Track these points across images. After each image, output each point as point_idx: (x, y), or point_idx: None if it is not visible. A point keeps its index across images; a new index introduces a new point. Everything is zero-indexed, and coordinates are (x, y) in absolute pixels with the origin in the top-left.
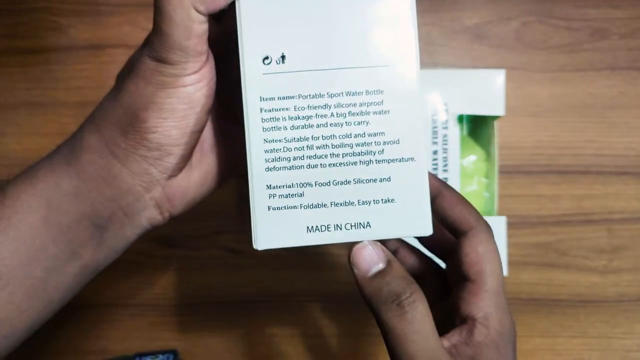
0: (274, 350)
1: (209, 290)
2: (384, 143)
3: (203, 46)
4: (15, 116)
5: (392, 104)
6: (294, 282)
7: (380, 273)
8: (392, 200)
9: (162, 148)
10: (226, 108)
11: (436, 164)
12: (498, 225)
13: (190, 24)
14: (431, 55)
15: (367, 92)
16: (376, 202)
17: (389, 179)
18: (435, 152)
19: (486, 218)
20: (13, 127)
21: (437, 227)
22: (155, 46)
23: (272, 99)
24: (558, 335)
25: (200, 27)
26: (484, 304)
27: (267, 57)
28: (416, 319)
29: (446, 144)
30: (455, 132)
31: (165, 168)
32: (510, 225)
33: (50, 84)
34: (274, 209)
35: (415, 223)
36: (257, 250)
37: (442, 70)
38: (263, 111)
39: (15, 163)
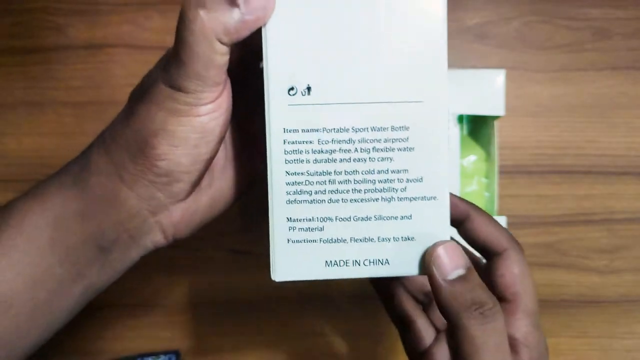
0: (275, 350)
1: (211, 291)
2: (407, 180)
3: (222, 76)
4: (14, 116)
5: (417, 141)
6: (295, 283)
7: (461, 278)
8: (412, 238)
9: (171, 175)
10: (240, 130)
11: None
12: None
13: (212, 56)
14: None
15: (393, 128)
16: (396, 239)
17: (410, 217)
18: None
19: None
20: (12, 127)
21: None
22: (171, 73)
23: (296, 130)
24: (559, 335)
25: (222, 58)
26: (522, 324)
27: (292, 88)
28: (497, 331)
29: None
30: (455, 132)
31: (173, 194)
32: (511, 226)
33: (49, 83)
34: (293, 241)
35: None
36: (274, 281)
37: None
38: (286, 143)
39: (14, 163)
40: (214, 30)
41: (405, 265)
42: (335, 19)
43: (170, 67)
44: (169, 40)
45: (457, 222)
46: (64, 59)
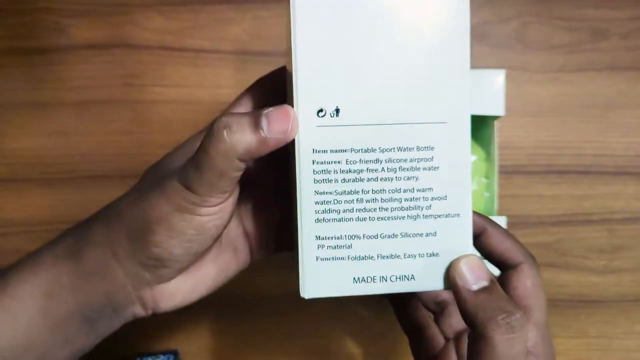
0: (275, 350)
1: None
2: (432, 199)
3: (231, 186)
4: (17, 116)
5: (441, 161)
6: (294, 283)
7: (486, 289)
8: (437, 254)
9: (161, 261)
10: (237, 226)
11: None
12: None
13: (229, 171)
14: None
15: (418, 148)
16: (421, 255)
17: (434, 234)
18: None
19: None
20: (14, 127)
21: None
22: (188, 174)
23: (325, 151)
24: (558, 335)
25: (237, 173)
26: (532, 335)
27: (321, 110)
28: (521, 341)
29: None
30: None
31: (159, 276)
32: (510, 225)
33: (52, 84)
34: (322, 259)
35: None
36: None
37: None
38: (315, 163)
39: (16, 162)
40: (236, 150)
41: (430, 280)
42: (362, 41)
43: (189, 169)
44: (170, 40)
45: (474, 236)
46: (65, 59)
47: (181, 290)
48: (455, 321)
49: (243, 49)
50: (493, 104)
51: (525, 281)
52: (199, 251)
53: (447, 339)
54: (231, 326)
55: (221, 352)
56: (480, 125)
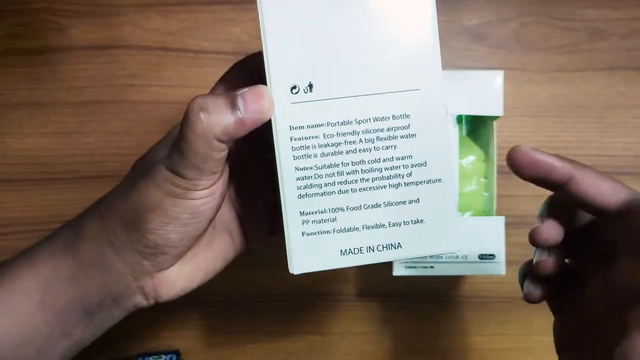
0: (276, 349)
1: (211, 289)
2: (412, 166)
3: (219, 167)
4: (17, 116)
5: (418, 128)
6: (296, 281)
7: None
8: (422, 220)
9: (158, 247)
10: (231, 208)
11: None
12: (497, 225)
13: (210, 153)
14: None
15: (394, 117)
16: (406, 223)
17: (417, 201)
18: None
19: (485, 218)
20: (15, 127)
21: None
22: (173, 159)
23: (302, 127)
24: None
25: (219, 154)
26: None
27: (294, 87)
28: None
29: None
30: (454, 133)
31: (158, 263)
32: (509, 225)
33: (52, 84)
34: (308, 234)
35: (444, 240)
36: (292, 274)
37: (442, 70)
38: (293, 140)
39: (17, 162)
40: (213, 131)
41: (417, 247)
42: (332, 16)
43: (173, 155)
44: (170, 41)
45: (558, 185)
46: (66, 60)
47: (181, 277)
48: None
49: (243, 49)
50: (492, 105)
51: None
52: (195, 234)
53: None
54: (233, 325)
55: (223, 350)
56: (479, 126)
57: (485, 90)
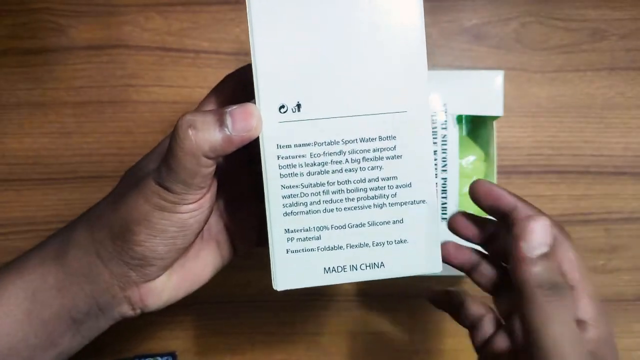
0: (274, 349)
1: (208, 291)
2: (397, 187)
3: (206, 182)
4: (16, 116)
5: (404, 149)
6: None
7: (545, 256)
8: (405, 241)
9: (145, 259)
10: (219, 220)
11: (435, 164)
12: None
13: (197, 169)
14: (430, 56)
15: (380, 138)
16: (389, 243)
17: (401, 221)
18: (434, 152)
19: (485, 218)
20: (14, 127)
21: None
22: (162, 173)
23: (289, 146)
24: None
25: (207, 170)
26: (590, 309)
27: (283, 106)
28: (568, 309)
29: (445, 144)
30: (454, 133)
31: (144, 274)
32: None
33: (51, 84)
34: (292, 251)
35: (426, 262)
36: (277, 291)
37: (441, 70)
38: (280, 158)
39: (16, 162)
40: (201, 148)
41: (399, 267)
42: (320, 37)
43: (162, 169)
44: (169, 41)
45: (503, 213)
46: (65, 60)
47: (168, 287)
48: (505, 302)
49: (243, 49)
50: (492, 105)
51: (568, 254)
52: (183, 247)
53: (498, 324)
54: (230, 326)
55: (220, 352)
56: (479, 126)
57: (485, 90)
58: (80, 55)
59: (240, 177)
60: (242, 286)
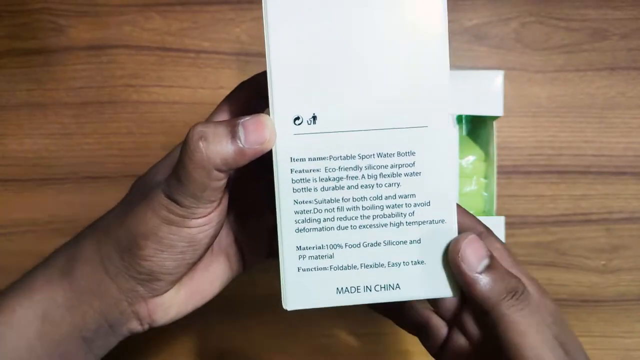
0: (277, 350)
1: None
2: (415, 205)
3: (217, 196)
4: (16, 117)
5: (423, 166)
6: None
7: (489, 268)
8: (422, 262)
9: (153, 274)
10: (228, 234)
11: None
12: (497, 225)
13: (208, 182)
14: None
15: (399, 154)
16: (406, 263)
17: (419, 241)
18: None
19: (485, 218)
20: (14, 128)
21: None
22: (171, 186)
23: (303, 159)
24: None
25: (218, 183)
26: (532, 290)
27: (298, 118)
28: (533, 310)
29: None
30: (454, 133)
31: (152, 289)
32: (509, 225)
33: (51, 84)
34: (303, 270)
35: (443, 285)
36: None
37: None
38: (293, 172)
39: (16, 163)
40: (212, 161)
41: (416, 289)
42: (338, 48)
43: (171, 182)
44: (169, 41)
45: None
46: (65, 60)
47: (176, 302)
48: (449, 302)
49: (243, 49)
50: (492, 105)
51: (495, 244)
52: (192, 262)
53: (449, 324)
54: (232, 326)
55: (221, 351)
56: (479, 126)
57: (485, 90)
58: (80, 55)
59: (250, 187)
60: (245, 286)
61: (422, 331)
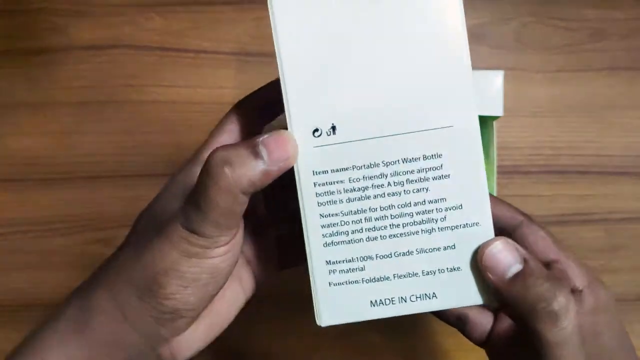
0: (276, 349)
1: None
2: (446, 209)
3: (238, 220)
4: (16, 116)
5: (452, 168)
6: (296, 282)
7: (520, 275)
8: (458, 268)
9: (176, 312)
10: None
11: None
12: None
13: (234, 207)
14: None
15: (425, 157)
16: (441, 271)
17: (453, 247)
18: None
19: None
20: (13, 128)
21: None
22: (190, 216)
23: (325, 172)
24: None
25: (242, 207)
26: (581, 275)
27: (317, 129)
28: (572, 327)
29: None
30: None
31: (175, 329)
32: None
33: (50, 84)
34: (335, 284)
35: (483, 291)
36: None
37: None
38: (317, 185)
39: (15, 162)
40: (240, 184)
41: (453, 297)
42: (352, 53)
43: (189, 212)
44: (169, 41)
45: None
46: (64, 60)
47: (197, 337)
48: None
49: (243, 49)
50: (492, 105)
51: (538, 232)
52: (214, 293)
53: (494, 313)
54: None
55: (221, 350)
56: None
57: (485, 91)
58: (80, 55)
59: (254, 203)
60: None
61: (464, 321)
